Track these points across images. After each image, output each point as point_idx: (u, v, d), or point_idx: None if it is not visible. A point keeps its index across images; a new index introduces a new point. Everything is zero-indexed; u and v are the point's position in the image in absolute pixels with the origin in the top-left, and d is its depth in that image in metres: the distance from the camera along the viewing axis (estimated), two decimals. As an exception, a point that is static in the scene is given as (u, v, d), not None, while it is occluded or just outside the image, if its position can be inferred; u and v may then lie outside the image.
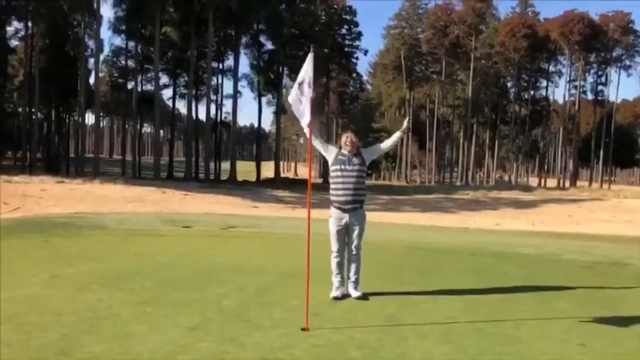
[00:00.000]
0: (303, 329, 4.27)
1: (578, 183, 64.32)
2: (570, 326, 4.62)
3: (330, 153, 5.39)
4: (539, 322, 4.74)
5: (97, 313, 4.58)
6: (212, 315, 4.65)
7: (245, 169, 57.79)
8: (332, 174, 5.32)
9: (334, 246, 5.35)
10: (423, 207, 30.37)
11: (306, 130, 4.86)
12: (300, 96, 4.73)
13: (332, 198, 5.34)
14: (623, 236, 14.46)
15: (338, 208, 5.29)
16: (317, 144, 5.41)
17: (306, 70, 4.70)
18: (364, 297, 5.31)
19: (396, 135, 5.58)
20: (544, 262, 8.26)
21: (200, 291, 5.46)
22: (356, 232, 5.33)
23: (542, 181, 67.09)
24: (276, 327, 4.36)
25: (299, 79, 4.78)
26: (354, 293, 5.35)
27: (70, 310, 4.66)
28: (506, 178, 73.97)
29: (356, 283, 5.40)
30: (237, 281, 5.96)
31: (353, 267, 5.40)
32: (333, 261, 5.37)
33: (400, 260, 7.92)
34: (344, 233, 5.34)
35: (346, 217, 5.28)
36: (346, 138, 5.31)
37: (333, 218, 5.34)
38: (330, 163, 5.37)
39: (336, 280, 5.37)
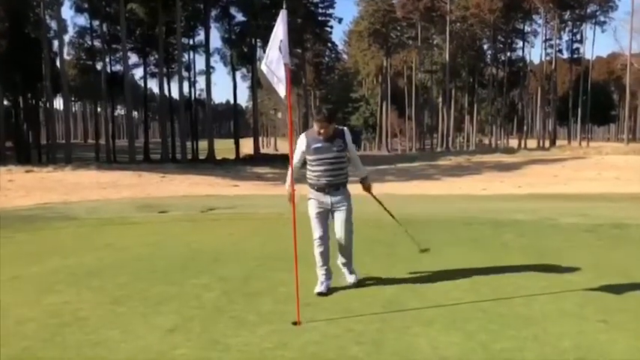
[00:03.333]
0: (294, 323, 3.86)
1: (557, 142, 64.75)
2: (585, 300, 4.26)
3: (302, 145, 4.62)
4: (551, 297, 4.36)
5: (61, 319, 4.09)
6: (192, 312, 4.20)
7: (223, 147, 56.78)
8: (310, 163, 4.61)
9: (316, 232, 4.65)
10: (407, 176, 30.04)
11: (283, 95, 4.11)
12: (274, 63, 4.12)
13: (310, 181, 4.68)
14: (614, 194, 14.29)
15: (317, 190, 4.64)
16: (295, 161, 4.65)
17: (278, 33, 4.11)
18: (360, 282, 4.85)
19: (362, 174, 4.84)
20: (543, 228, 7.89)
21: (178, 284, 4.98)
22: (342, 216, 4.64)
23: (523, 142, 67.39)
24: (264, 322, 3.92)
25: (272, 44, 4.16)
26: (350, 278, 4.87)
27: (31, 316, 4.17)
28: (486, 141, 74.13)
29: (350, 268, 4.91)
30: (219, 270, 5.48)
31: (344, 255, 4.83)
32: (316, 250, 4.64)
33: (391, 236, 7.43)
34: (326, 216, 4.67)
35: (327, 198, 4.63)
36: (319, 127, 4.52)
37: (312, 200, 4.67)
38: (306, 154, 4.61)
39: (320, 273, 4.67)
